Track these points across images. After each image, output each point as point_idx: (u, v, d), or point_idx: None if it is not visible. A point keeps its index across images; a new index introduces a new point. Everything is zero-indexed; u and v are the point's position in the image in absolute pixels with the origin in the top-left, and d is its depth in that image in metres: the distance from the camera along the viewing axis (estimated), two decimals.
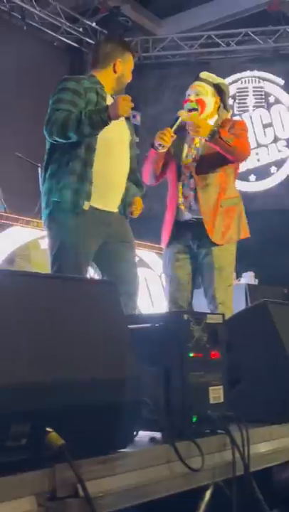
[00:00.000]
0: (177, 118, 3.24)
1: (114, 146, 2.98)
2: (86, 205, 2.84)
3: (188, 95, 3.43)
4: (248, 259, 6.61)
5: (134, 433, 1.57)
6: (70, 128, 2.77)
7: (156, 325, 1.71)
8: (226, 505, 1.74)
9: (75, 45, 8.94)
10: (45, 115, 2.97)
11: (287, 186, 8.75)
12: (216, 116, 3.47)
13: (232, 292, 3.45)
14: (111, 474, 1.41)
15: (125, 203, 3.07)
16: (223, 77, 9.41)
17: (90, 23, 8.77)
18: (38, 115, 7.88)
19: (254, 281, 6.26)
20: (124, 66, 3.06)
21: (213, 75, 3.54)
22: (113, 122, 2.80)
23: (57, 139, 2.84)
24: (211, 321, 1.79)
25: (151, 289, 5.81)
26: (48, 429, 1.29)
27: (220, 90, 3.47)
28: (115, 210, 3.03)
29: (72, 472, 1.28)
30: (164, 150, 3.27)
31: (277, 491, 1.71)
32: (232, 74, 9.15)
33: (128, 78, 3.11)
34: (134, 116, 8.52)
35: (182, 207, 3.34)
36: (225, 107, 3.51)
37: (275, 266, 8.27)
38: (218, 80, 3.52)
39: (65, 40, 8.79)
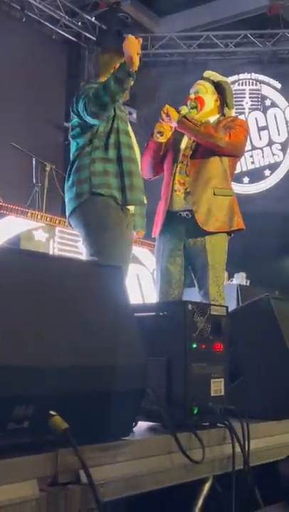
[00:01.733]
0: (179, 111, 3.25)
1: (135, 149, 3.13)
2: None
3: (190, 93, 3.46)
4: (240, 260, 6.61)
5: (134, 423, 1.55)
6: (101, 93, 2.87)
7: (161, 314, 1.68)
8: (218, 501, 1.72)
9: (74, 39, 8.89)
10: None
11: (280, 189, 8.77)
12: (217, 115, 3.46)
13: (224, 290, 3.42)
14: (113, 462, 1.38)
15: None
16: None
17: (89, 17, 8.73)
18: (33, 106, 7.90)
19: (246, 282, 6.25)
20: None
21: (216, 74, 3.56)
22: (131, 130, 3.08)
23: (96, 112, 2.91)
24: (215, 312, 1.76)
25: (143, 284, 5.79)
26: (51, 412, 1.26)
27: (220, 88, 3.48)
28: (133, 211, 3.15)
29: (74, 458, 1.25)
30: (163, 140, 3.25)
31: (282, 485, 1.69)
32: (229, 75, 9.13)
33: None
34: (130, 114, 8.50)
35: (177, 193, 3.32)
36: (227, 104, 3.50)
37: (265, 268, 8.28)
38: (219, 78, 3.53)
39: (64, 33, 8.74)
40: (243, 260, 6.85)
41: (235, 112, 9.04)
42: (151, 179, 3.56)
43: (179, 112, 3.26)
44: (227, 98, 3.49)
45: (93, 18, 8.72)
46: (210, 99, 3.43)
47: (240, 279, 6.20)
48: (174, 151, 3.41)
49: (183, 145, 3.39)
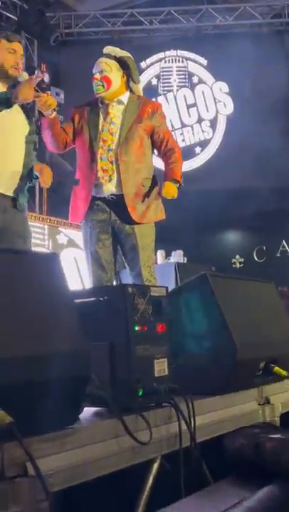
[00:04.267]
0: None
1: (7, 135, 3.00)
2: None
3: (94, 73, 3.38)
4: (175, 238, 6.68)
5: (80, 409, 1.54)
6: None
7: (101, 299, 1.67)
8: (168, 479, 1.74)
9: None
10: None
11: (211, 166, 8.87)
12: (127, 93, 3.42)
13: (154, 270, 3.46)
14: (60, 451, 1.36)
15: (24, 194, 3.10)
16: (147, 55, 9.44)
17: None
18: None
19: (183, 260, 6.32)
20: None
21: (117, 49, 3.46)
22: (8, 112, 2.89)
23: None
24: (155, 293, 1.77)
25: (81, 267, 5.75)
26: None
27: (124, 64, 3.42)
28: (10, 194, 3.02)
29: (20, 450, 1.23)
30: (54, 115, 3.20)
31: (229, 460, 1.72)
32: (156, 53, 9.16)
33: (5, 62, 3.05)
34: (57, 94, 8.36)
35: (102, 180, 3.30)
36: (133, 79, 3.48)
37: (200, 244, 8.41)
38: (121, 53, 3.43)
39: None
40: (178, 238, 6.92)
41: (164, 90, 9.12)
42: (61, 152, 3.54)
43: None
44: (132, 73, 3.43)
45: None
46: (116, 76, 3.35)
47: (177, 257, 6.26)
48: (90, 136, 3.35)
49: (100, 128, 3.36)
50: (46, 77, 8.59)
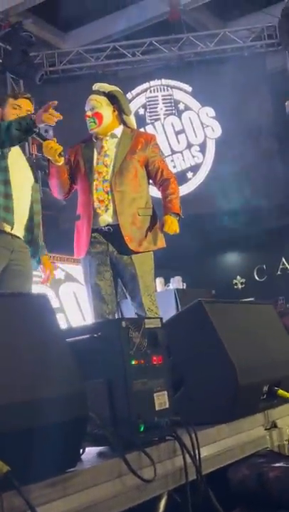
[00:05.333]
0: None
1: (17, 181, 3.15)
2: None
3: (86, 111, 3.47)
4: (173, 265, 6.67)
5: (81, 450, 1.51)
6: (1, 133, 2.94)
7: (95, 335, 1.65)
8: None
9: None
10: None
11: (204, 190, 8.90)
12: (120, 127, 3.48)
13: (156, 299, 3.45)
14: (62, 496, 1.33)
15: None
16: (132, 86, 9.55)
17: None
18: None
19: (182, 286, 6.30)
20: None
21: (105, 85, 3.56)
22: (16, 165, 3.14)
23: None
24: (150, 325, 1.74)
25: (81, 302, 5.73)
26: None
27: (113, 98, 3.49)
28: (20, 236, 3.17)
29: (21, 499, 1.20)
30: (62, 161, 3.23)
31: (234, 491, 1.68)
32: (141, 84, 9.26)
33: (9, 117, 3.24)
34: (46, 131, 8.42)
35: (98, 211, 3.31)
36: (124, 112, 3.53)
37: (198, 269, 8.39)
38: (109, 88, 3.53)
39: None
40: (177, 264, 6.91)
41: (152, 119, 9.19)
42: (65, 198, 3.58)
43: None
44: (122, 106, 3.51)
45: None
46: (107, 111, 3.44)
47: (176, 283, 6.24)
48: (86, 171, 3.39)
49: (94, 162, 3.39)
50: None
